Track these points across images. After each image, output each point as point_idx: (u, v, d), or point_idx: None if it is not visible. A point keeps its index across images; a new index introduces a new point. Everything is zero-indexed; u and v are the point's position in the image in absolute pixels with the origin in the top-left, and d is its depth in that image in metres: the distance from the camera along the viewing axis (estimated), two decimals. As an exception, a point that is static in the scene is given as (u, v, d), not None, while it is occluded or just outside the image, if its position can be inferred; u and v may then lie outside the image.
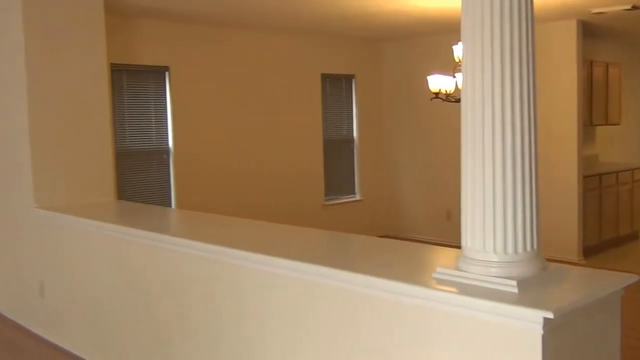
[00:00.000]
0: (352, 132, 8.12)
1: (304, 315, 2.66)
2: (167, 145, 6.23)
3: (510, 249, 2.09)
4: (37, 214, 4.64)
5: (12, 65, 4.77)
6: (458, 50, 5.44)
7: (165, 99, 6.21)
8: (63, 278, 4.49)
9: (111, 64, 5.27)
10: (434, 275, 2.26)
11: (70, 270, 4.40)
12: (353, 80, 8.05)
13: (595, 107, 7.49)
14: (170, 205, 6.25)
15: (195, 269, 3.26)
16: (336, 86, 7.91)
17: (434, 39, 7.52)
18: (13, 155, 4.89)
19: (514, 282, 2.03)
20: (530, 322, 1.91)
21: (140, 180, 6.07)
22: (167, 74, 6.21)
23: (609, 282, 2.19)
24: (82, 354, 4.31)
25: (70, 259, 4.39)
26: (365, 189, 8.23)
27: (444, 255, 2.72)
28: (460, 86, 4.90)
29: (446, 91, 5.60)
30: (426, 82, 5.72)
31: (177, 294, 3.40)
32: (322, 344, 2.58)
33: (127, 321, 3.84)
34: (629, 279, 2.21)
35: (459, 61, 5.22)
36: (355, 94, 8.08)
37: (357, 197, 8.19)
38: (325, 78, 7.74)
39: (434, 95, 5.63)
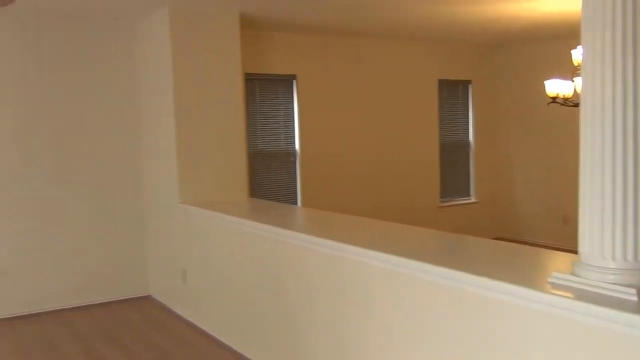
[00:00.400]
0: (468, 136, 7.96)
1: (422, 313, 2.67)
2: (294, 147, 6.45)
3: (630, 256, 1.98)
4: (181, 209, 4.98)
5: (161, 79, 5.15)
6: (577, 54, 5.18)
7: (293, 105, 6.43)
8: (202, 266, 4.79)
9: (245, 73, 5.53)
10: (549, 279, 2.20)
11: (209, 260, 4.68)
12: (470, 85, 7.88)
13: None
14: (296, 203, 6.45)
15: (319, 263, 3.36)
16: (453, 91, 7.79)
17: (552, 43, 7.20)
18: (163, 158, 5.27)
19: (634, 291, 1.93)
20: (650, 331, 1.81)
21: (269, 180, 6.32)
22: (294, 81, 6.41)
23: None
24: (217, 334, 4.58)
25: (209, 250, 4.67)
26: (480, 191, 8.03)
27: (560, 259, 2.63)
28: (578, 90, 4.67)
29: (564, 95, 5.35)
30: (543, 86, 5.49)
31: (303, 286, 3.52)
32: (439, 342, 2.59)
33: (257, 307, 4.03)
34: None
35: (578, 65, 4.96)
36: (472, 99, 7.90)
37: (472, 199, 8.01)
38: (442, 84, 7.65)
39: (551, 100, 5.39)
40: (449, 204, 7.79)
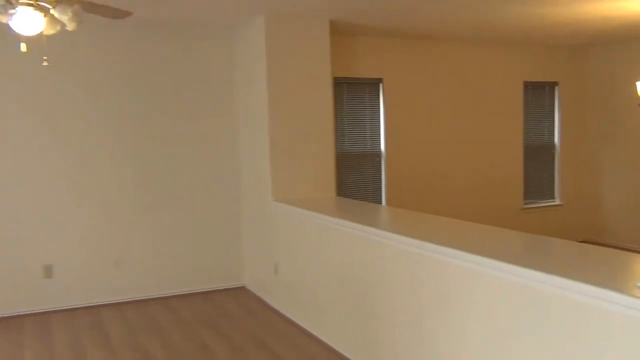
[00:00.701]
0: (554, 138, 7.73)
1: (502, 313, 2.69)
2: (380, 148, 6.53)
3: None
4: (274, 206, 5.18)
5: (256, 83, 5.37)
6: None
7: (379, 107, 6.51)
8: (293, 260, 4.96)
9: (334, 77, 5.66)
10: (638, 283, 2.17)
11: (299, 254, 4.84)
12: (556, 87, 7.66)
13: None
14: (380, 202, 6.52)
15: (402, 260, 3.41)
16: (538, 93, 7.60)
17: (646, 44, 6.88)
18: (258, 158, 5.50)
19: None
20: None
21: (355, 180, 6.43)
22: (380, 85, 6.49)
23: None
24: (306, 325, 4.74)
25: (299, 245, 4.83)
26: (565, 193, 7.79)
27: (650, 264, 2.57)
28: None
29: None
30: (634, 87, 5.28)
31: (386, 282, 3.59)
32: (518, 342, 2.59)
33: (343, 301, 4.13)
34: None
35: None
36: (559, 100, 7.67)
37: (557, 201, 7.78)
38: (528, 86, 7.47)
39: (643, 102, 5.18)
40: (533, 206, 7.61)
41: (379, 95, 6.51)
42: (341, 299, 4.17)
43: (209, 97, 5.83)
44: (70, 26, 2.85)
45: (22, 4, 2.70)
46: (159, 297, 5.68)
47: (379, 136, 6.52)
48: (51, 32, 2.93)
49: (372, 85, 6.49)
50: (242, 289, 5.97)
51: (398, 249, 3.45)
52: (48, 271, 5.31)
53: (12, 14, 2.69)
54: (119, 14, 3.28)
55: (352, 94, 6.40)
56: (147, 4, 4.65)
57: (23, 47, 2.91)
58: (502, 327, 2.72)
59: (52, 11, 2.81)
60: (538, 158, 7.63)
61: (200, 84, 5.78)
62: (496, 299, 2.74)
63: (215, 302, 5.53)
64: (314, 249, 4.57)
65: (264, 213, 5.46)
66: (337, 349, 4.25)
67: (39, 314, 5.25)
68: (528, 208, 7.54)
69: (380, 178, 6.55)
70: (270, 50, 5.18)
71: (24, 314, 5.22)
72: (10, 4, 2.65)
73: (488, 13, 5.45)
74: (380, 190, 6.55)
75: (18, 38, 2.96)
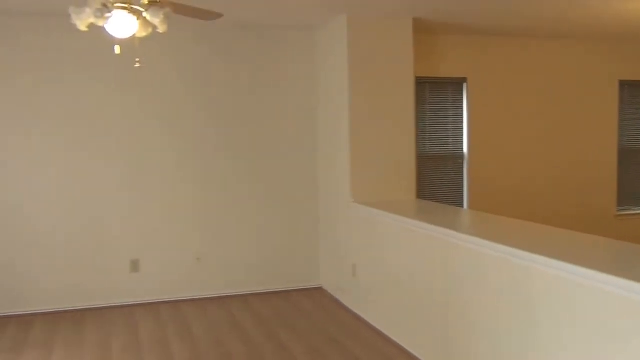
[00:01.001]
0: (653, 140, 7.30)
1: (595, 327, 2.57)
2: (462, 150, 6.40)
3: None
4: (353, 208, 5.20)
5: (338, 82, 5.41)
6: None
7: (462, 108, 6.38)
8: (371, 262, 4.95)
9: (416, 77, 5.61)
10: None
11: (377, 256, 4.83)
12: (657, 86, 7.23)
13: None
14: (462, 206, 6.40)
15: (486, 265, 3.34)
16: (636, 93, 7.19)
17: None
18: (337, 158, 5.54)
19: None
20: None
21: (436, 182, 6.34)
22: (464, 84, 6.36)
23: None
24: (383, 328, 4.71)
25: (377, 247, 4.82)
26: (665, 199, 7.33)
27: None
28: None
29: None
30: None
31: (467, 287, 3.52)
32: (612, 354, 2.47)
33: (422, 305, 4.08)
34: None
35: None
36: (659, 100, 7.24)
37: (656, 208, 7.34)
38: (624, 85, 7.10)
39: None
40: (628, 213, 7.21)
41: (462, 95, 6.39)
42: (420, 302, 4.13)
43: (291, 97, 5.93)
44: (161, 28, 2.98)
45: (117, 7, 2.85)
46: (237, 295, 5.82)
47: (462, 137, 6.40)
48: (143, 34, 3.07)
49: (456, 84, 6.37)
50: (319, 290, 6.02)
51: (481, 253, 3.38)
52: (135, 265, 5.57)
53: (107, 18, 2.84)
54: (210, 16, 3.39)
55: (435, 94, 6.31)
56: (233, 7, 4.79)
57: (117, 49, 3.07)
58: (595, 340, 2.60)
59: (144, 14, 2.95)
60: (635, 161, 7.23)
61: (282, 84, 5.89)
62: (591, 311, 2.62)
63: (293, 302, 5.61)
64: (393, 251, 4.55)
65: (343, 214, 5.48)
66: (414, 353, 4.21)
67: (125, 306, 5.52)
68: (622, 215, 7.16)
69: (462, 180, 6.42)
70: (352, 50, 5.20)
71: (112, 306, 5.51)
72: (106, 8, 2.81)
73: (579, 8, 5.22)
74: (462, 193, 6.42)
75: (112, 41, 3.12)
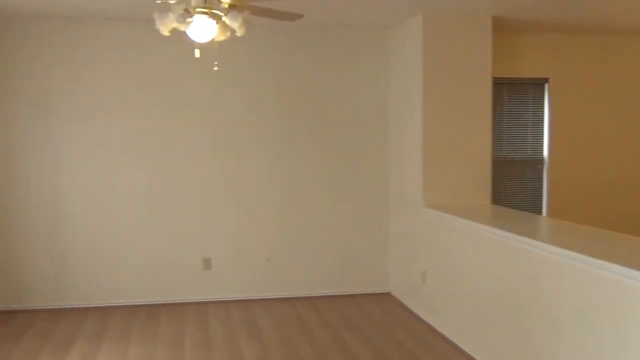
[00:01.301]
0: None
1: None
2: (542, 154, 6.20)
3: None
4: (425, 212, 5.14)
5: (411, 83, 5.36)
6: None
7: (543, 110, 6.18)
8: (442, 269, 4.89)
9: (494, 77, 5.48)
10: None
11: (449, 263, 4.76)
12: None
13: None
14: (541, 213, 6.20)
15: (565, 276, 3.22)
16: None
17: None
18: (409, 161, 5.50)
19: None
20: None
21: (513, 187, 6.17)
22: (546, 85, 6.16)
23: None
24: (454, 338, 4.64)
25: (449, 253, 4.75)
26: None
27: None
28: None
29: None
30: None
31: (545, 299, 3.41)
32: None
33: (495, 316, 3.99)
34: None
35: None
36: None
37: None
38: None
39: None
40: None
41: (543, 96, 6.18)
42: (493, 312, 4.04)
43: (364, 98, 5.93)
44: (239, 32, 3.06)
45: (198, 12, 2.94)
46: (305, 297, 5.89)
47: (542, 141, 6.19)
48: (222, 38, 3.16)
49: (536, 85, 6.18)
50: (387, 295, 6.00)
51: (564, 265, 3.26)
52: (207, 264, 5.73)
53: (189, 22, 2.94)
54: (290, 17, 3.45)
55: (513, 95, 6.14)
56: (312, 9, 4.83)
57: (197, 53, 3.17)
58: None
59: (224, 18, 3.03)
60: None
61: (355, 85, 5.90)
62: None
63: (361, 307, 5.62)
64: (466, 258, 4.47)
65: (414, 219, 5.43)
66: (488, 366, 4.13)
67: (197, 303, 5.69)
68: None
69: (541, 186, 6.22)
70: (427, 50, 5.14)
71: (184, 302, 5.69)
72: (188, 13, 2.91)
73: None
74: (541, 200, 6.22)
75: (192, 44, 3.22)
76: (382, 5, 4.88)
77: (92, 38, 5.41)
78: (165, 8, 3.00)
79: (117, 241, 5.57)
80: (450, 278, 4.74)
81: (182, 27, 2.96)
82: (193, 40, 3.11)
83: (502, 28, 5.71)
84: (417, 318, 5.27)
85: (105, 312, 5.38)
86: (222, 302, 5.73)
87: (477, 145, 5.27)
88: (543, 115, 6.18)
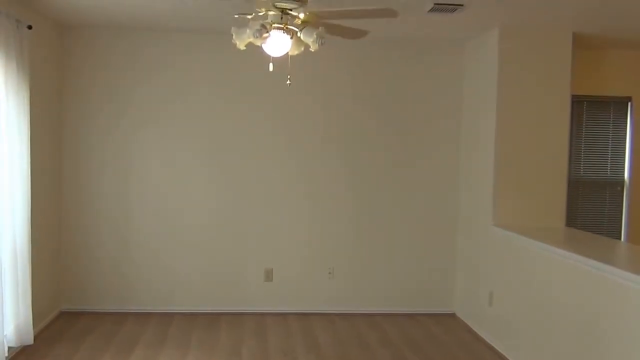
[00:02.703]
0: None
1: None
2: (623, 176, 6.14)
3: None
4: (494, 231, 5.20)
5: (485, 97, 5.44)
6: None
7: (625, 130, 6.12)
8: (510, 291, 4.92)
9: (573, 95, 5.49)
10: None
11: (517, 285, 4.79)
12: None
13: None
14: (619, 238, 6.12)
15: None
16: None
17: None
18: (480, 178, 5.57)
19: None
20: None
21: (590, 210, 6.13)
22: (629, 104, 6.11)
23: None
24: (523, 365, 4.67)
25: (518, 275, 4.79)
26: None
27: None
28: None
29: None
30: None
31: (623, 329, 3.42)
32: None
33: (566, 343, 4.01)
34: None
35: None
36: None
37: None
38: None
39: None
40: None
41: (626, 115, 6.13)
42: (564, 340, 4.05)
43: (435, 113, 6.05)
44: (313, 47, 3.27)
45: (274, 28, 3.17)
46: (366, 313, 6.02)
47: (623, 162, 6.13)
48: (295, 52, 3.38)
49: (619, 104, 6.13)
50: (451, 317, 6.06)
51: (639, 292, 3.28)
52: (268, 275, 5.97)
53: (265, 38, 3.17)
54: (358, 34, 3.64)
55: (593, 113, 6.11)
56: (387, 25, 5.00)
57: (271, 67, 3.40)
58: None
59: (299, 34, 3.25)
60: None
61: (426, 99, 6.03)
62: None
63: (423, 326, 5.70)
64: (536, 282, 4.50)
65: (482, 238, 5.49)
66: (556, 396, 4.14)
67: (257, 314, 5.93)
68: None
69: (621, 210, 6.15)
70: (502, 65, 5.22)
71: (244, 312, 5.94)
72: (265, 28, 3.14)
73: None
74: (620, 224, 6.15)
75: (266, 59, 3.46)
76: (461, 22, 4.99)
77: (163, 46, 5.78)
78: (243, 23, 3.24)
79: (182, 249, 5.89)
80: (518, 301, 4.78)
81: (258, 42, 3.19)
82: (267, 54, 3.34)
83: (584, 44, 5.71)
84: (481, 341, 5.31)
85: (166, 319, 5.69)
86: (282, 314, 5.95)
87: (553, 164, 5.28)
88: (625, 135, 6.12)
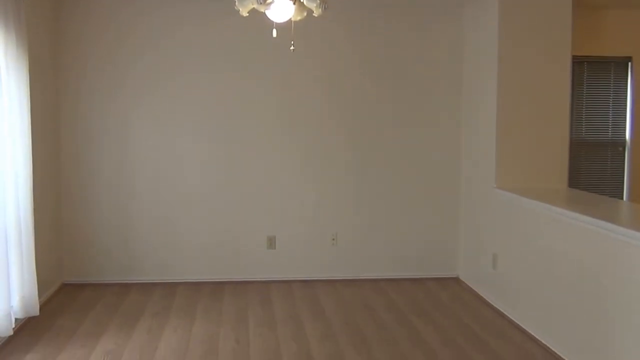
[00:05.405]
0: None
1: None
2: (624, 136, 6.26)
3: None
4: (496, 194, 5.32)
5: (485, 60, 5.51)
6: None
7: (626, 90, 6.22)
8: (513, 253, 5.06)
9: (573, 56, 5.56)
10: None
11: (521, 247, 4.93)
12: None
13: None
14: (621, 198, 6.27)
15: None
16: None
17: None
18: (481, 141, 5.67)
19: None
20: None
21: (591, 171, 6.26)
22: (629, 64, 6.19)
23: None
24: (524, 324, 4.82)
25: (522, 237, 4.92)
26: None
27: None
28: None
29: None
30: None
31: (625, 287, 3.53)
32: None
33: (570, 303, 4.14)
34: None
35: None
36: None
37: None
38: None
39: None
40: None
41: (626, 75, 6.22)
42: (569, 300, 4.19)
43: (436, 75, 6.11)
44: (316, 12, 3.34)
45: (278, -7, 3.23)
46: (370, 279, 6.18)
47: (624, 122, 6.25)
48: (298, 18, 3.44)
49: (619, 64, 6.22)
50: (455, 280, 6.22)
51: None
52: (271, 242, 6.10)
53: (268, 4, 3.24)
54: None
55: (594, 74, 6.21)
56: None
57: (274, 33, 3.47)
58: None
59: (302, -1, 3.31)
60: None
61: (426, 63, 6.09)
62: None
63: (428, 291, 5.86)
64: (539, 243, 4.62)
65: (485, 201, 5.61)
66: (560, 354, 4.29)
67: (261, 282, 6.08)
68: None
69: (623, 170, 6.28)
70: (502, 26, 5.27)
71: (248, 281, 6.08)
72: (268, -6, 3.20)
73: None
74: (622, 184, 6.29)
75: (269, 25, 3.52)
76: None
77: (162, 14, 5.81)
78: (246, -11, 3.29)
79: (184, 219, 6.00)
80: (522, 263, 4.91)
81: (261, 9, 3.26)
82: (270, 20, 3.40)
83: (583, 4, 5.75)
84: (486, 303, 5.48)
85: (170, 288, 5.82)
86: (286, 281, 6.09)
87: (554, 126, 5.37)
88: (626, 96, 6.23)
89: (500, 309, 5.26)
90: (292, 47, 3.66)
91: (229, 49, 5.91)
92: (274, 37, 3.53)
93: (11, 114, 4.43)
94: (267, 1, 3.20)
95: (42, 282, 5.13)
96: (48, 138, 5.53)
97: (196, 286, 5.91)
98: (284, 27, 3.61)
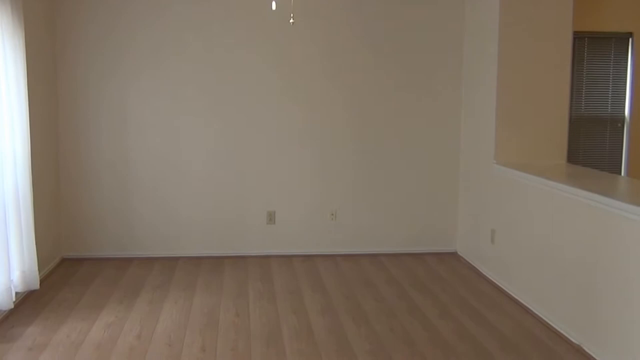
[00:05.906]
0: None
1: None
2: (623, 113, 6.28)
3: None
4: (495, 169, 5.35)
5: (485, 35, 5.51)
6: None
7: (626, 66, 6.22)
8: (512, 228, 5.10)
9: (574, 31, 5.55)
10: None
11: (519, 222, 4.97)
12: None
13: None
14: (620, 173, 6.30)
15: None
16: None
17: None
18: (481, 117, 5.69)
19: None
20: None
21: (591, 146, 6.29)
22: (630, 40, 6.19)
23: None
24: (521, 298, 4.88)
25: (520, 212, 4.95)
26: None
27: None
28: None
29: None
30: None
31: (621, 259, 3.57)
32: None
33: (566, 276, 4.19)
34: None
35: None
36: None
37: None
38: None
39: None
40: None
41: (626, 51, 6.22)
42: (565, 274, 4.24)
43: (436, 50, 6.10)
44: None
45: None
46: (370, 254, 6.22)
47: (624, 98, 6.26)
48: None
49: (620, 40, 6.22)
50: (454, 255, 6.27)
51: (637, 223, 3.44)
52: (271, 217, 6.14)
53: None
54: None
55: (595, 50, 6.21)
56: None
57: (274, 5, 3.46)
58: None
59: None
60: None
61: (427, 36, 6.08)
62: None
63: (426, 265, 5.92)
64: (538, 218, 4.66)
65: (484, 176, 5.64)
66: (555, 326, 4.35)
67: (260, 256, 6.12)
68: None
69: (622, 146, 6.31)
70: (503, 1, 5.25)
71: (248, 255, 6.13)
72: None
73: None
74: (620, 160, 6.32)
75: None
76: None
77: (159, -12, 5.78)
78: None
79: (183, 193, 6.03)
80: (521, 238, 4.96)
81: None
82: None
83: (585, -23, 5.75)
84: (484, 278, 5.53)
85: (170, 263, 5.87)
86: (286, 256, 6.14)
87: (554, 102, 5.38)
88: (626, 72, 6.23)
89: (498, 283, 5.32)
90: (291, 20, 3.65)
91: (227, 22, 5.89)
92: (273, 10, 3.53)
93: (8, 91, 4.43)
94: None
95: (42, 257, 5.16)
96: (45, 113, 5.53)
97: (196, 261, 5.96)
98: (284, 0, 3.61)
